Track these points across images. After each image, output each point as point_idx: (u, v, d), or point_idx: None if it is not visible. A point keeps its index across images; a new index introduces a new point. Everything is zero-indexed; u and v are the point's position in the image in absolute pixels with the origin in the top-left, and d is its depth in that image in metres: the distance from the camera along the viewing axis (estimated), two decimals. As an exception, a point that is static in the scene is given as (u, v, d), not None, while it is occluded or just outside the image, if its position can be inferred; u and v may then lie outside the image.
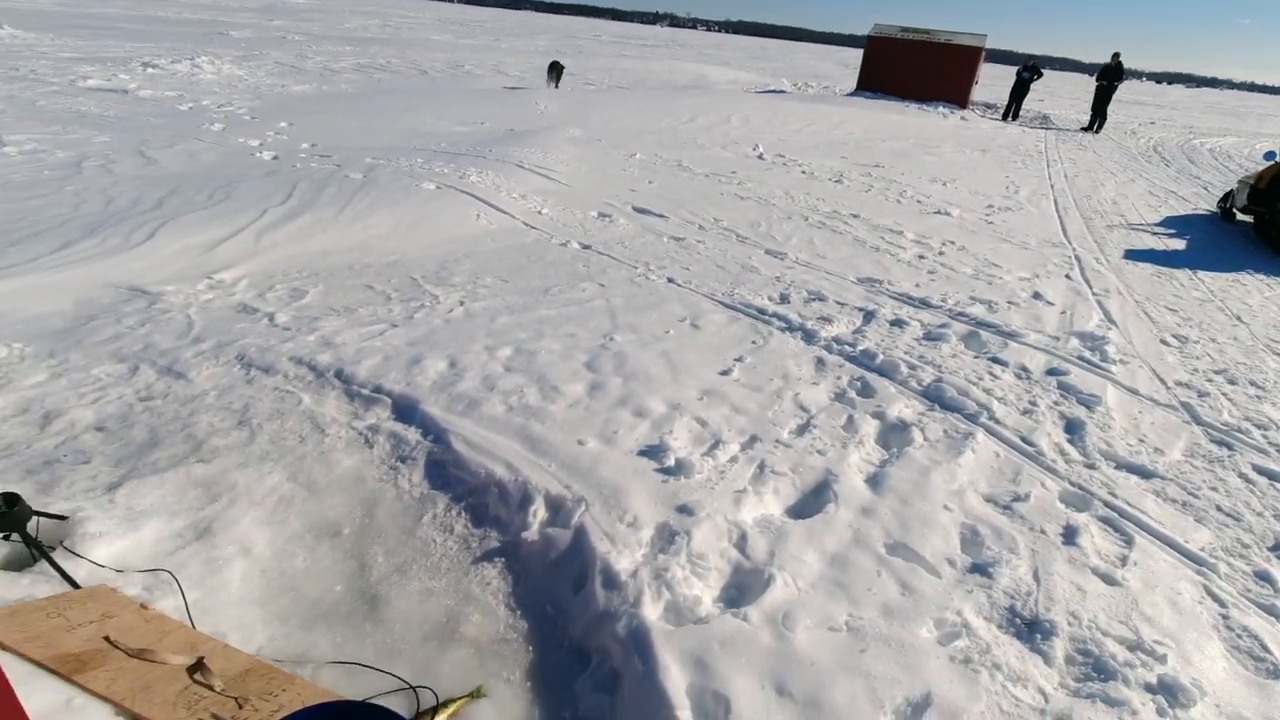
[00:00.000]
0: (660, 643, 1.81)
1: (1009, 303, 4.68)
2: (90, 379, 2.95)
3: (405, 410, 2.85)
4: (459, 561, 2.19)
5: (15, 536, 1.89)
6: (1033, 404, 3.34)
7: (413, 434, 2.71)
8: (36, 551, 1.88)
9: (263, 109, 9.27)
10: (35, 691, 1.45)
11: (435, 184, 5.98)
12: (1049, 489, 2.69)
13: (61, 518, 2.04)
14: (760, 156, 9.36)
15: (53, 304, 3.54)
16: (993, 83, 25.99)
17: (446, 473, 2.52)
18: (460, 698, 1.78)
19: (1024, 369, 3.69)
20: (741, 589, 2.08)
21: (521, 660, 1.91)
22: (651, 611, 1.92)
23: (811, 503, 2.50)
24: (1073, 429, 3.16)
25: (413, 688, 1.79)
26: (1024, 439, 3.01)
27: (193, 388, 2.95)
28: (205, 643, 1.77)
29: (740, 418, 2.97)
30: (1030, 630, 2.01)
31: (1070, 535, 2.42)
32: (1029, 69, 18.59)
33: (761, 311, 4.20)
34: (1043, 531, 2.43)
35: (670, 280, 4.61)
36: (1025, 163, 11.34)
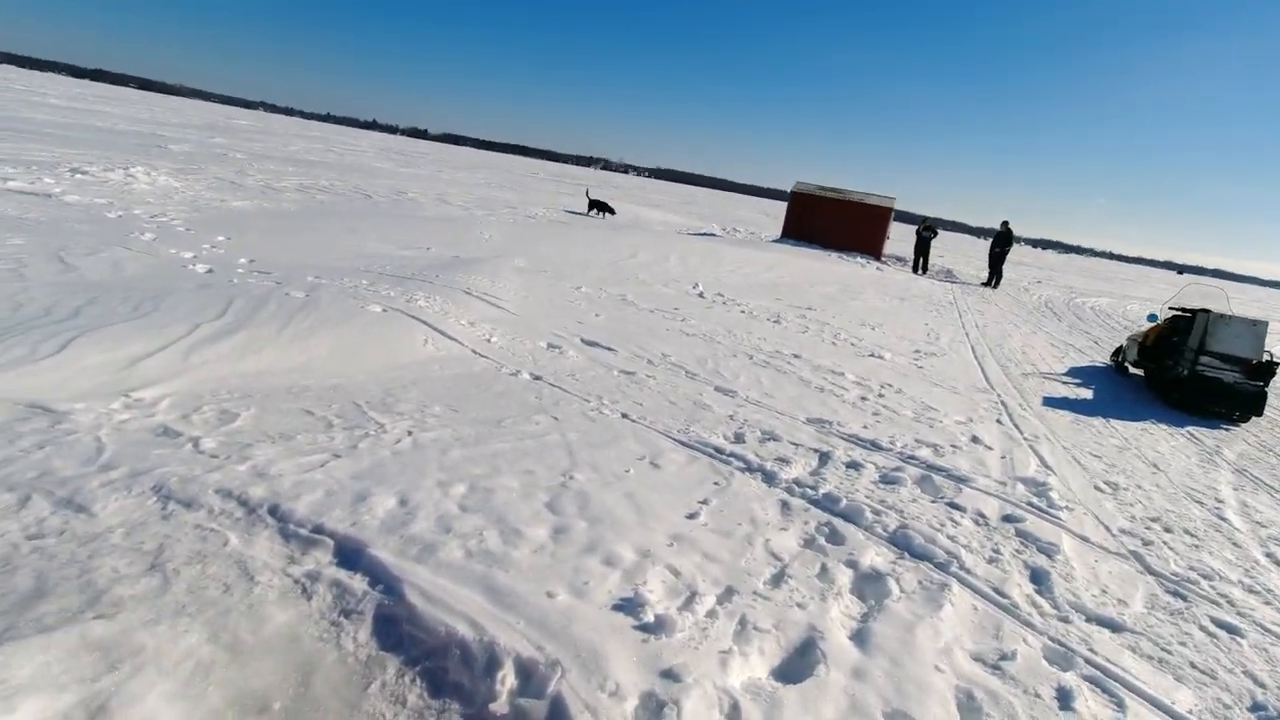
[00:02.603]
0: None
1: (953, 446, 4.81)
2: (-31, 511, 2.53)
3: (350, 554, 2.56)
4: (412, 743, 1.88)
5: None
6: (997, 552, 3.33)
7: (359, 583, 2.41)
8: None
9: (199, 221, 9.04)
10: None
11: (381, 307, 5.84)
12: (1032, 645, 2.62)
13: (-86, 696, 1.64)
14: (700, 295, 9.72)
15: (-66, 421, 3.10)
16: (901, 239, 28.54)
17: (399, 630, 2.22)
18: None
19: (981, 515, 3.72)
20: (739, 772, 1.85)
21: None
22: (645, 806, 1.67)
23: (799, 663, 2.33)
24: (1038, 579, 3.15)
25: None
26: (997, 590, 2.96)
27: (96, 524, 2.57)
28: None
29: (713, 566, 2.81)
30: (1050, 816, 1.85)
31: (1065, 699, 2.32)
32: (928, 228, 20.55)
33: (719, 451, 4.14)
34: (1037, 695, 2.32)
35: (624, 416, 4.53)
36: (940, 312, 12.24)
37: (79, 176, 10.81)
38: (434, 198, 18.83)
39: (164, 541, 2.51)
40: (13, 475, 2.79)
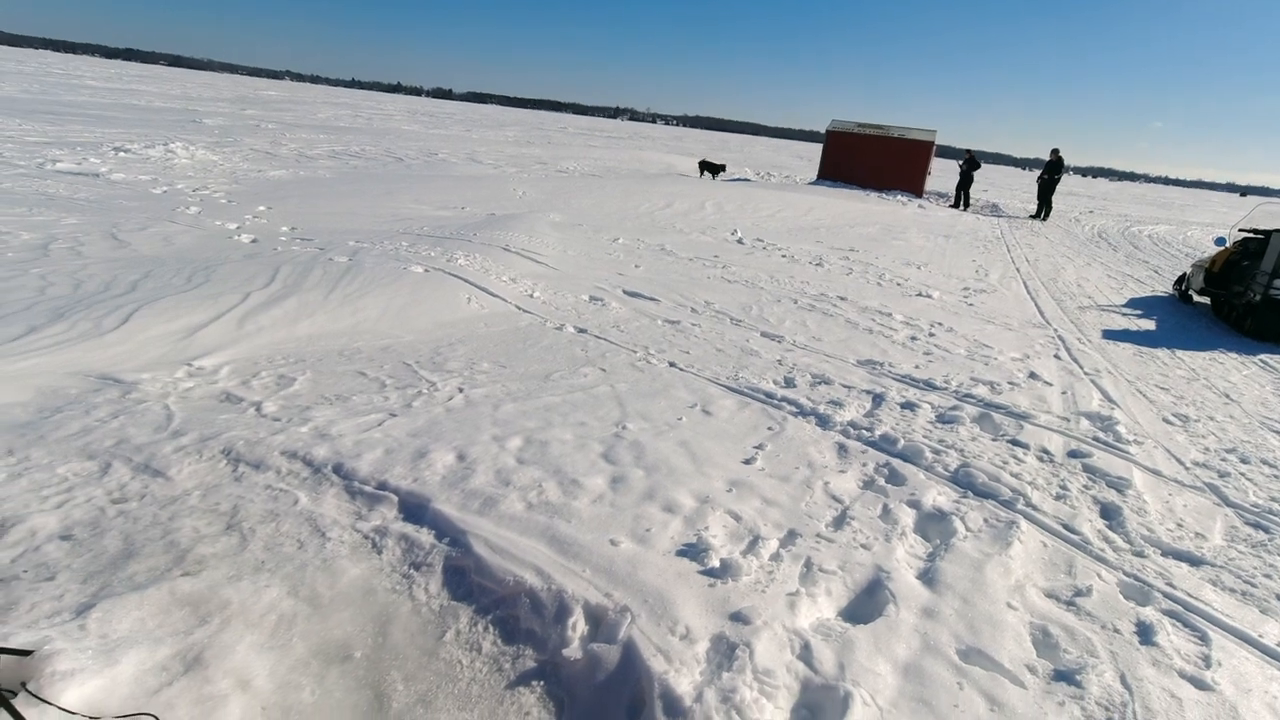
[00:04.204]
0: (742, 784, 1.56)
1: (1010, 383, 4.67)
2: (54, 479, 2.65)
3: (414, 509, 2.61)
4: (491, 687, 1.92)
5: (-29, 680, 1.58)
6: (1064, 488, 3.24)
7: (425, 536, 2.46)
8: (-5, 698, 1.56)
9: (240, 193, 9.16)
10: None
11: (423, 267, 5.86)
12: (1107, 581, 2.55)
13: (24, 653, 1.73)
14: (740, 241, 9.53)
15: (12, 395, 3.23)
16: (941, 174, 27.52)
17: (468, 580, 2.26)
18: None
19: (1045, 451, 3.62)
20: (815, 710, 1.85)
21: (573, 809, 1.64)
22: (724, 744, 1.68)
23: (867, 604, 2.31)
24: (1109, 514, 3.06)
25: None
26: (1067, 526, 2.89)
27: (173, 487, 2.67)
28: (202, 809, 1.47)
29: (774, 510, 2.79)
30: (1136, 749, 1.81)
31: (1146, 633, 2.26)
32: (968, 162, 19.69)
33: (770, 396, 4.09)
34: (1116, 630, 2.27)
35: (672, 364, 4.50)
36: (988, 248, 11.80)
37: (122, 155, 11.01)
38: (464, 157, 18.73)
39: (238, 502, 2.59)
40: (92, 444, 2.90)
